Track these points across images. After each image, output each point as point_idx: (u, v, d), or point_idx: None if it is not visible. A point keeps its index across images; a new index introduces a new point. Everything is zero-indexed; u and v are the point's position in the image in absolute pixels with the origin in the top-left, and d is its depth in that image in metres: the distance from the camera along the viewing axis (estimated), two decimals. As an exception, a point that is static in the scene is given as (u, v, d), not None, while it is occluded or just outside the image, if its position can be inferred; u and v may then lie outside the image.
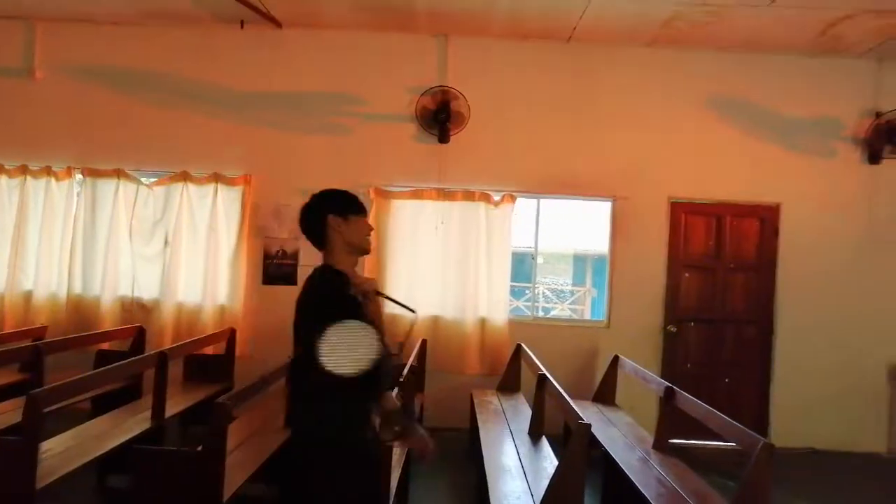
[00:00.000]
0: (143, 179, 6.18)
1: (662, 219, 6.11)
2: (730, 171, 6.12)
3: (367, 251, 2.42)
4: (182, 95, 6.14)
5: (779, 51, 5.99)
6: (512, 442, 4.33)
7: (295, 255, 6.07)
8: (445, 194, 6.09)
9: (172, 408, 4.57)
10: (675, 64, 6.11)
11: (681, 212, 6.14)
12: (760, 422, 5.98)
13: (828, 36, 5.58)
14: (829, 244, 6.06)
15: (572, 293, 13.51)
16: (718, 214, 6.15)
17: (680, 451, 4.92)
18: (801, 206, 6.08)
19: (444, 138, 5.99)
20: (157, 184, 6.14)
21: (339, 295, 2.23)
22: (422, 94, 5.95)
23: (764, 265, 6.12)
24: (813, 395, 5.96)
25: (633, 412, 5.26)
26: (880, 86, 6.06)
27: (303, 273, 5.96)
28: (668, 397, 4.33)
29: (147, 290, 6.08)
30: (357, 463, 2.23)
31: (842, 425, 5.99)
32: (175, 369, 5.38)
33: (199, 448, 3.24)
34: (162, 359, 4.42)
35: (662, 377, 5.79)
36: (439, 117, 5.89)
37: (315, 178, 6.05)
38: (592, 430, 4.74)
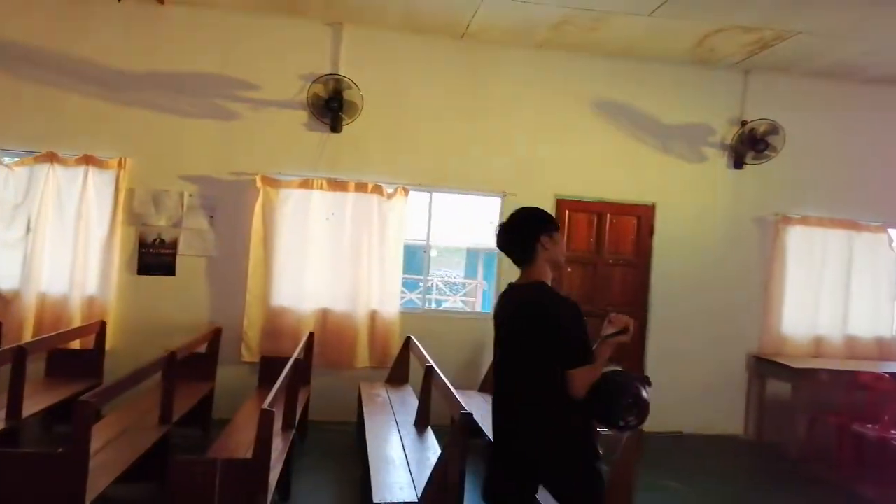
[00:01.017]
0: (4, 159, 5.65)
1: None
2: (611, 172, 6.43)
3: (563, 267, 2.50)
4: (50, 70, 5.66)
5: (658, 59, 6.34)
6: (398, 434, 4.34)
7: (174, 244, 5.77)
8: (337, 185, 6.00)
9: (32, 407, 4.22)
10: (564, 66, 6.34)
11: (566, 209, 6.38)
12: (635, 408, 6.35)
13: (702, 47, 5.97)
14: (697, 242, 6.51)
15: (464, 286, 13.74)
16: (600, 212, 6.45)
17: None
18: (674, 206, 6.50)
19: (336, 128, 5.89)
20: (18, 164, 5.62)
21: (576, 310, 2.39)
22: (313, 82, 5.81)
23: (640, 261, 6.49)
24: (681, 383, 6.39)
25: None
26: (746, 96, 6.57)
27: (184, 263, 5.74)
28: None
29: (6, 280, 5.57)
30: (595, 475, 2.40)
31: (706, 411, 6.46)
32: (38, 365, 5.00)
33: (60, 450, 3.01)
34: (19, 354, 4.07)
35: (546, 368, 6.03)
36: (331, 106, 5.78)
37: (198, 163, 5.88)
38: (477, 418, 4.89)
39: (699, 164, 6.56)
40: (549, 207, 6.31)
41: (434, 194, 6.37)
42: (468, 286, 13.94)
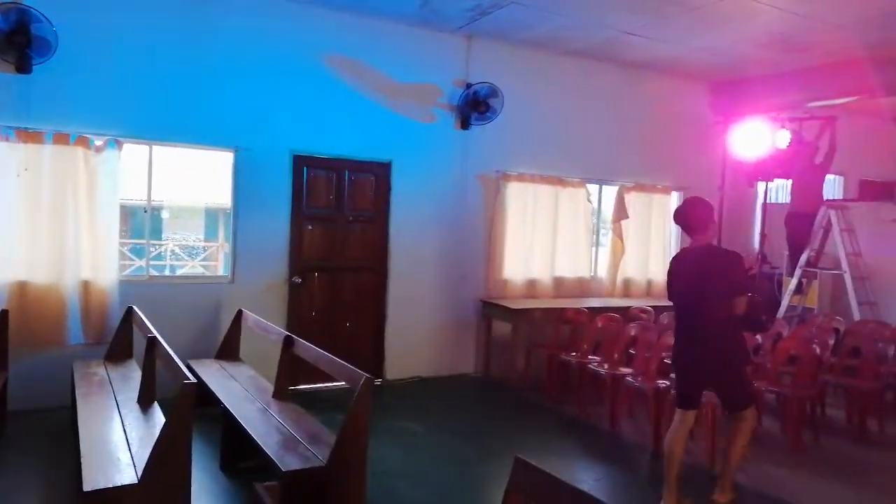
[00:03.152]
0: None
1: (285, 172, 6.15)
2: (349, 129, 6.43)
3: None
4: None
5: (388, 17, 6.42)
6: (118, 413, 3.92)
7: None
8: (29, 136, 5.10)
9: None
10: (294, 16, 6.10)
11: (303, 165, 6.25)
12: (377, 358, 6.61)
13: (427, 8, 6.17)
14: (430, 198, 6.87)
15: (204, 249, 12.90)
16: (339, 169, 6.45)
17: (301, 397, 5.12)
18: (408, 163, 6.75)
19: (24, 67, 4.98)
20: None
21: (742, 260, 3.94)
22: (-11, 11, 4.81)
23: (378, 216, 6.66)
24: (420, 330, 6.79)
25: (258, 365, 5.27)
26: (470, 60, 7.00)
27: None
28: (286, 346, 4.42)
29: None
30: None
31: (444, 354, 6.97)
32: None
33: None
34: None
35: (289, 327, 5.95)
36: (15, 41, 4.85)
37: None
38: (213, 386, 4.65)
39: (431, 124, 6.87)
40: (286, 164, 6.14)
41: (155, 148, 5.76)
42: (209, 249, 13.11)
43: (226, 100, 5.85)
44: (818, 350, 5.49)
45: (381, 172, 6.64)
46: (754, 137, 7.55)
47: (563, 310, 6.81)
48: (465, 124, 6.93)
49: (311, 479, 3.29)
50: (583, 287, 7.81)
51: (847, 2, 5.56)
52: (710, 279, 3.80)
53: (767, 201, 8.74)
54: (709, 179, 8.67)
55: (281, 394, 4.41)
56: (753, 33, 6.48)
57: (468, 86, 6.84)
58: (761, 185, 8.62)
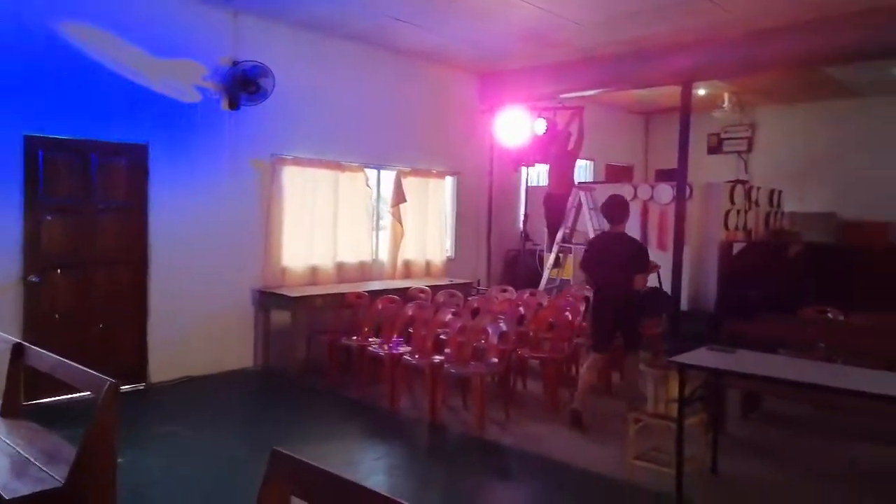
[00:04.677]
0: None
1: (14, 156, 5.30)
2: (95, 108, 5.71)
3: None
4: None
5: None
6: None
7: None
8: None
9: None
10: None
11: (38, 148, 5.44)
12: (140, 360, 6.03)
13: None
14: (198, 183, 6.39)
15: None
16: (83, 152, 5.71)
17: (42, 412, 4.52)
18: (170, 145, 6.20)
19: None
20: None
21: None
22: None
23: (135, 204, 6.03)
24: (189, 326, 6.32)
25: None
26: (238, 38, 6.62)
27: None
28: (15, 356, 3.82)
29: None
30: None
31: (216, 350, 6.56)
32: None
33: None
34: None
35: (26, 334, 5.19)
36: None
37: None
38: None
39: (195, 104, 6.37)
40: (16, 147, 5.31)
41: None
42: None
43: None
44: (570, 316, 6.12)
45: (136, 156, 6.02)
46: (516, 125, 8.15)
47: (344, 294, 6.79)
48: (233, 105, 6.54)
49: (45, 503, 2.88)
50: (365, 271, 7.87)
51: (595, 2, 6.19)
52: (628, 258, 5.07)
53: (529, 185, 9.52)
54: (480, 165, 9.22)
55: (10, 411, 3.80)
56: (513, 28, 6.97)
57: (235, 63, 6.46)
58: (524, 170, 9.37)
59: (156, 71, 6.05)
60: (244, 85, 6.45)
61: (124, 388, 5.78)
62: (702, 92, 9.62)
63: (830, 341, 5.40)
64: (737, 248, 8.38)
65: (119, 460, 4.16)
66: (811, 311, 5.79)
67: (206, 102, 6.44)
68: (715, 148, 11.50)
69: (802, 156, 10.57)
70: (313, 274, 7.31)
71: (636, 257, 5.16)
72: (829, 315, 5.66)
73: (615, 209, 5.25)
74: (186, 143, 6.31)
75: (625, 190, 8.83)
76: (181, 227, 6.26)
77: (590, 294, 7.07)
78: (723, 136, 11.41)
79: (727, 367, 3.98)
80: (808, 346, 5.54)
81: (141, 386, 6.02)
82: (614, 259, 5.10)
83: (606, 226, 7.79)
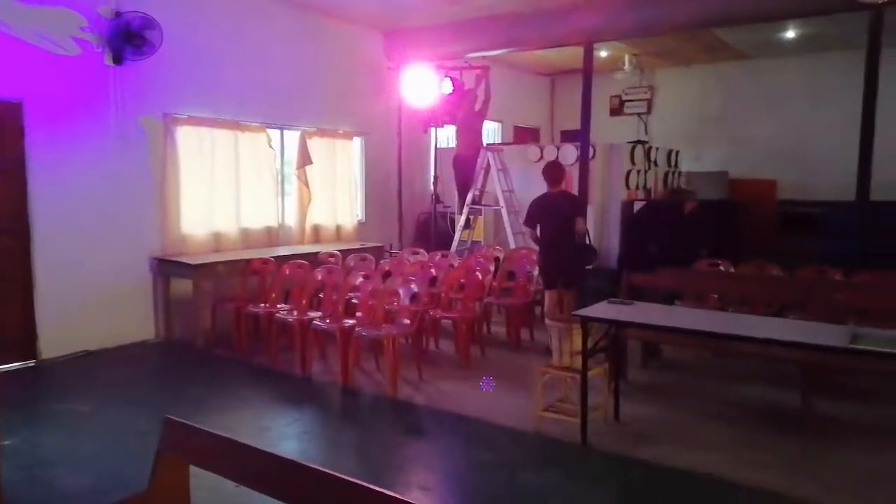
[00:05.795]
0: None
1: None
2: (-44, 59, 5.16)
3: None
4: None
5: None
6: None
7: None
8: None
9: None
10: None
11: None
12: (28, 336, 5.61)
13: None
14: (83, 144, 5.92)
15: None
16: (-55, 110, 5.16)
17: None
18: (49, 103, 5.69)
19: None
20: None
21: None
22: None
23: (13, 169, 5.52)
24: (82, 299, 5.92)
25: None
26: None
27: None
28: None
29: None
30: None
31: (114, 322, 6.19)
32: None
33: None
34: None
35: None
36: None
37: None
38: None
39: (74, 57, 5.86)
40: None
41: None
42: None
43: None
44: (480, 276, 6.19)
45: (9, 114, 5.48)
46: (423, 85, 8.04)
47: (250, 261, 6.55)
48: (117, 59, 6.06)
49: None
50: (272, 237, 7.62)
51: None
52: (571, 209, 5.84)
53: (438, 146, 9.47)
54: (388, 125, 9.06)
55: None
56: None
57: (118, 14, 5.97)
58: (433, 131, 9.30)
59: (24, 19, 5.49)
60: (128, 38, 5.98)
61: (9, 365, 5.44)
62: (603, 53, 9.84)
63: (722, 291, 5.75)
64: (637, 206, 8.72)
65: (5, 442, 3.91)
66: (704, 264, 6.13)
67: (86, 56, 5.93)
68: (617, 110, 11.84)
69: (698, 117, 11.08)
70: (216, 240, 7.00)
71: (578, 207, 6.05)
72: (721, 267, 6.01)
73: (556, 171, 5.90)
74: (67, 101, 5.81)
75: (531, 151, 8.96)
76: (66, 191, 5.81)
77: (500, 255, 7.21)
78: (624, 97, 11.75)
79: (627, 318, 4.15)
80: (703, 297, 5.89)
81: (31, 363, 5.62)
82: (561, 212, 5.81)
83: (514, 186, 8.07)
